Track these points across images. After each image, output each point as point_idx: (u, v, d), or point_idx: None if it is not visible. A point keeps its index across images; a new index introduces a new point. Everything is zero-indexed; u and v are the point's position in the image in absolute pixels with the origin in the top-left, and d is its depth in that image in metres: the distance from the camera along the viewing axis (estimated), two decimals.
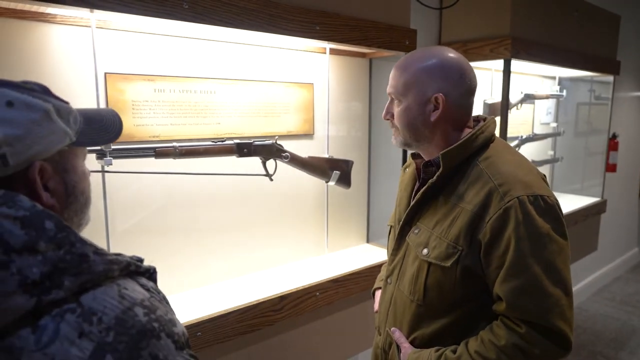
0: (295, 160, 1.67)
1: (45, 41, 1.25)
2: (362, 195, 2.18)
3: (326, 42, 1.64)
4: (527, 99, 2.77)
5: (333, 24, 1.60)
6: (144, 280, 0.67)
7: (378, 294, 1.37)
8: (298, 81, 1.82)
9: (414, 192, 1.21)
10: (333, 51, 1.88)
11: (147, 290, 0.65)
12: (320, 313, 1.74)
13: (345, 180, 1.82)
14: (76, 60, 1.30)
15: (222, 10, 1.31)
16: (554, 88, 3.25)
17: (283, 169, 1.65)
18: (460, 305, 1.05)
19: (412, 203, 1.13)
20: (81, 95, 1.31)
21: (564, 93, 3.16)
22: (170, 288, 1.55)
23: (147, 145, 1.34)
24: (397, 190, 1.38)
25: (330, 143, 1.92)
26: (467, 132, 1.09)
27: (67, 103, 0.68)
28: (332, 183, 1.78)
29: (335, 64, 1.96)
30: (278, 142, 1.62)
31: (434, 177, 1.07)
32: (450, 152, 1.04)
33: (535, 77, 3.17)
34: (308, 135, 1.89)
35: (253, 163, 1.61)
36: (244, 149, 1.53)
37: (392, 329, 1.16)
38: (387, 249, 1.30)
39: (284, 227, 1.87)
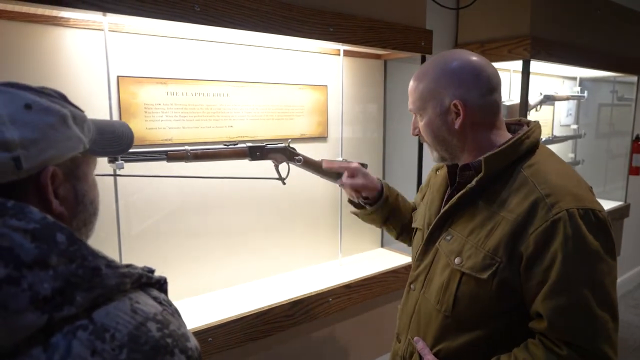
0: (309, 164, 1.65)
1: (58, 45, 1.25)
2: None
3: (340, 44, 1.62)
4: (547, 100, 2.70)
5: (347, 26, 1.58)
6: (155, 292, 0.65)
7: None
8: (312, 83, 1.80)
9: (446, 196, 1.15)
10: (347, 53, 1.86)
11: (160, 303, 0.63)
12: (333, 319, 1.72)
13: None
14: (89, 64, 1.30)
15: (234, 13, 1.30)
16: (574, 89, 3.17)
17: (296, 172, 1.63)
18: (492, 319, 0.98)
19: (445, 207, 1.07)
20: (94, 98, 1.31)
21: (585, 94, 3.08)
22: (181, 292, 1.54)
23: (159, 148, 1.33)
24: (421, 192, 1.35)
25: (344, 146, 1.89)
26: (505, 134, 1.05)
27: (82, 111, 0.67)
28: None
29: (349, 65, 1.93)
30: (291, 145, 1.60)
31: (473, 182, 1.00)
32: (493, 157, 0.98)
33: (555, 77, 3.10)
34: (322, 138, 1.87)
35: (266, 166, 1.59)
36: (256, 152, 1.51)
37: (416, 338, 1.10)
38: (412, 252, 1.24)
39: (297, 231, 1.85)
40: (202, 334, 1.32)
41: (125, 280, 0.59)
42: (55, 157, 0.61)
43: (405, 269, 1.89)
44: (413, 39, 1.80)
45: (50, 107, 0.60)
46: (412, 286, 1.16)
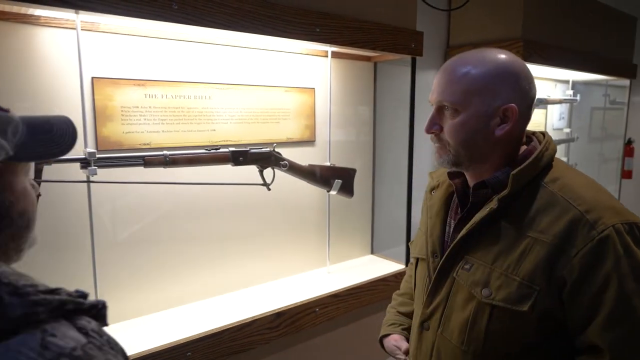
0: (295, 169, 1.59)
1: (29, 44, 1.19)
2: (366, 204, 2.09)
3: (328, 45, 1.56)
4: (539, 103, 2.66)
5: (335, 26, 1.53)
6: (83, 322, 0.55)
7: (389, 340, 1.19)
8: (299, 86, 1.75)
9: (454, 218, 1.03)
10: (335, 54, 1.80)
11: (85, 334, 0.54)
12: (319, 330, 1.66)
13: (347, 189, 1.73)
14: (62, 64, 1.24)
15: (214, 12, 1.24)
16: (567, 92, 3.14)
17: (282, 177, 1.58)
18: (529, 354, 0.88)
19: (462, 233, 0.94)
20: (67, 101, 1.25)
21: (578, 97, 3.05)
22: (158, 304, 1.48)
23: (136, 153, 1.27)
24: (419, 210, 1.21)
25: (333, 150, 1.84)
26: (524, 148, 0.95)
27: (6, 111, 0.60)
28: (333, 192, 1.70)
29: (338, 67, 1.88)
30: (276, 149, 1.54)
31: (495, 201, 0.89)
32: (521, 173, 0.88)
33: (547, 81, 3.07)
34: (309, 142, 1.82)
35: (251, 172, 1.53)
36: (239, 157, 1.45)
37: None
38: (415, 286, 1.11)
39: (283, 238, 1.79)
40: (180, 348, 1.26)
41: (38, 309, 0.51)
42: None
43: (396, 276, 1.84)
44: (403, 41, 1.75)
45: None
46: (424, 325, 1.01)
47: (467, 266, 0.93)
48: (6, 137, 0.58)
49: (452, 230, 1.02)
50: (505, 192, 0.89)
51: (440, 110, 0.94)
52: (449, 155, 0.94)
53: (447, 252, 0.97)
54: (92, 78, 1.27)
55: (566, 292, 0.82)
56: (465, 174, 1.00)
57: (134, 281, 1.42)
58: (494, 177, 0.93)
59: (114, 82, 1.30)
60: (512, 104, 0.88)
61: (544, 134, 0.98)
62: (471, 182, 0.99)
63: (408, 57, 1.84)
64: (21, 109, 1.06)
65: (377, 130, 2.08)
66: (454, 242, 0.96)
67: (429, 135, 0.98)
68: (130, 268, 1.41)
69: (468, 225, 0.93)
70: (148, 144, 1.38)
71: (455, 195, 1.05)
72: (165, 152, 1.31)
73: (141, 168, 1.27)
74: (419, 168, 1.99)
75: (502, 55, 0.91)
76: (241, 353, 1.41)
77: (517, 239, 0.87)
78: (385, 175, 2.09)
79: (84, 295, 0.58)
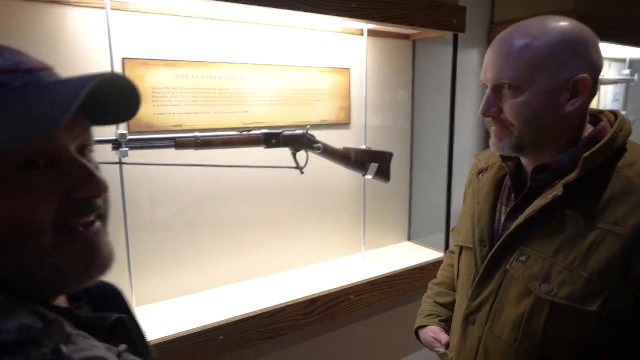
0: (329, 152, 1.54)
1: (59, 25, 1.18)
2: (403, 189, 2.02)
3: (363, 22, 1.49)
4: None
5: (371, 2, 1.45)
6: None
7: (426, 332, 1.13)
8: (333, 66, 1.68)
9: (506, 205, 0.94)
10: (372, 32, 1.72)
11: None
12: (354, 318, 1.61)
13: (384, 173, 1.66)
14: (92, 45, 1.23)
15: None
16: (623, 72, 2.91)
17: (317, 161, 1.53)
18: (592, 358, 0.80)
19: (519, 221, 0.85)
20: None
21: (636, 77, 2.83)
22: (190, 287, 1.47)
23: (167, 135, 1.25)
24: (462, 196, 1.13)
25: (368, 133, 1.77)
26: (590, 129, 0.86)
27: (50, 70, 0.51)
28: (369, 177, 1.64)
29: (374, 47, 1.80)
30: (310, 132, 1.49)
31: (560, 187, 0.80)
32: (593, 156, 0.79)
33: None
34: (344, 124, 1.75)
35: (284, 155, 1.49)
36: (272, 139, 1.41)
37: None
38: (459, 276, 1.04)
39: (317, 223, 1.75)
40: (213, 332, 1.25)
41: None
42: None
43: (434, 265, 1.76)
44: (444, 17, 1.65)
45: None
46: (470, 319, 0.94)
47: (522, 258, 0.84)
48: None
49: (504, 217, 0.93)
50: (572, 176, 0.80)
51: (497, 89, 0.85)
52: (511, 138, 0.85)
53: (499, 242, 0.89)
54: (123, 59, 1.25)
55: None
56: (525, 159, 0.91)
57: (165, 264, 1.41)
58: (558, 161, 0.83)
59: (144, 63, 1.29)
60: (584, 75, 0.78)
61: (614, 113, 0.88)
62: (528, 166, 0.90)
63: (449, 35, 1.74)
64: None
65: (415, 113, 1.99)
66: (509, 231, 0.87)
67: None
68: (162, 251, 1.40)
69: (526, 213, 0.84)
70: (179, 126, 1.36)
71: (507, 179, 0.96)
72: (196, 134, 1.28)
73: (172, 150, 1.26)
74: (459, 152, 1.89)
75: (565, 23, 0.81)
76: (274, 339, 1.38)
77: (585, 230, 0.78)
78: (424, 160, 2.00)
79: (37, 331, 0.42)
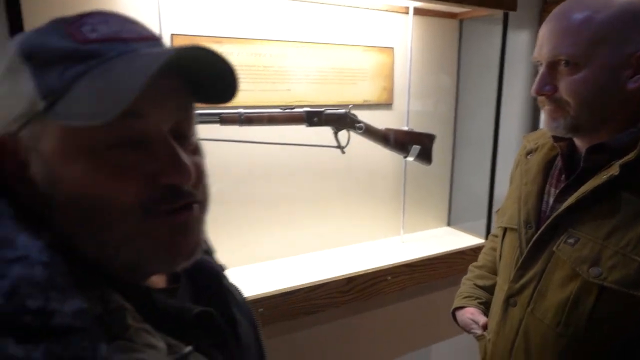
0: (370, 132, 1.53)
1: (109, 1, 1.22)
2: (444, 173, 1.98)
3: None
4: None
5: None
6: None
7: (464, 313, 1.12)
8: (377, 45, 1.66)
9: (555, 186, 0.92)
10: (417, 11, 1.68)
11: None
12: (390, 299, 1.61)
13: (425, 156, 1.64)
14: (142, 21, 1.25)
15: None
16: None
17: (358, 141, 1.52)
18: (636, 345, 0.78)
19: (570, 201, 0.83)
20: None
21: None
22: (230, 261, 1.50)
23: (212, 110, 1.28)
24: (509, 180, 1.10)
25: (410, 115, 1.74)
26: None
27: (157, 40, 0.48)
28: (410, 158, 1.62)
29: (419, 26, 1.76)
30: (352, 111, 1.48)
31: (616, 167, 0.77)
32: None
33: None
34: (387, 105, 1.73)
35: (325, 134, 1.49)
36: (314, 117, 1.41)
37: None
38: (501, 258, 1.02)
39: (355, 204, 1.75)
40: (253, 304, 1.28)
41: None
42: None
43: (474, 250, 1.73)
44: None
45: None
46: (511, 301, 0.92)
47: (570, 240, 0.82)
48: (44, 82, 0.43)
49: (552, 199, 0.90)
50: (629, 157, 0.76)
51: (553, 66, 0.81)
52: (566, 118, 0.82)
53: (547, 223, 0.86)
54: (172, 35, 1.28)
55: None
56: (579, 140, 0.87)
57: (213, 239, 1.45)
58: (617, 140, 0.79)
59: (191, 39, 1.31)
60: None
61: None
62: (582, 146, 0.86)
63: (499, 14, 1.68)
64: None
65: (459, 95, 1.94)
66: (557, 212, 0.84)
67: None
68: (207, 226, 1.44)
69: (578, 193, 0.81)
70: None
71: (558, 160, 0.92)
72: (240, 110, 1.30)
73: (216, 126, 1.28)
74: (503, 138, 1.83)
75: None
76: (312, 314, 1.40)
77: None
78: (467, 145, 1.95)
79: (45, 312, 0.36)
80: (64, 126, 0.42)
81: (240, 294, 0.70)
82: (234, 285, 0.69)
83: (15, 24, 0.98)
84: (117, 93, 0.39)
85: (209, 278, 0.61)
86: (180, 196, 0.47)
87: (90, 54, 0.43)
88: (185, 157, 0.47)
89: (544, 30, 0.82)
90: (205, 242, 0.71)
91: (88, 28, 0.45)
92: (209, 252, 0.72)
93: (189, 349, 0.47)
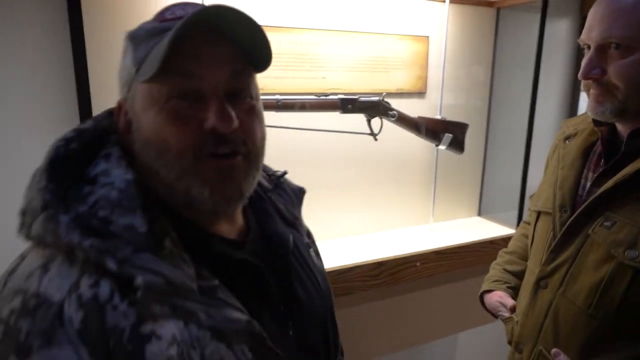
0: (403, 120, 1.55)
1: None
2: (476, 163, 1.98)
3: None
4: None
5: None
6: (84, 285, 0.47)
7: (492, 296, 1.13)
8: (412, 34, 1.66)
9: (593, 171, 0.92)
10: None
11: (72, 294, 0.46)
12: (419, 285, 1.64)
13: (458, 145, 1.64)
14: None
15: None
16: None
17: (390, 128, 1.54)
18: None
19: (608, 185, 0.83)
20: None
21: None
22: None
23: None
24: (544, 164, 1.10)
25: (444, 104, 1.75)
26: None
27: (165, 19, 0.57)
28: (442, 147, 1.63)
29: (455, 14, 1.75)
30: (385, 99, 1.50)
31: None
32: None
33: None
34: (420, 94, 1.74)
35: (358, 121, 1.52)
36: (348, 104, 1.44)
37: (555, 351, 0.86)
38: (533, 242, 1.03)
39: (387, 190, 1.77)
40: None
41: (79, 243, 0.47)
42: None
43: (504, 240, 1.73)
44: None
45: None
46: (541, 283, 0.93)
47: (607, 223, 0.82)
48: (136, 52, 0.57)
49: (589, 184, 0.90)
50: None
51: (602, 50, 0.80)
52: (613, 102, 0.81)
53: (583, 206, 0.87)
54: None
55: None
56: (621, 125, 0.87)
57: None
58: None
59: None
60: None
61: None
62: (624, 131, 0.86)
63: (538, 1, 1.65)
64: None
65: (494, 85, 1.93)
66: (595, 195, 0.85)
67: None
68: None
69: (617, 177, 0.81)
70: (261, 89, 1.42)
71: (597, 146, 0.92)
72: (277, 96, 1.34)
73: None
74: (537, 130, 1.81)
75: None
76: (341, 297, 1.45)
77: None
78: (500, 135, 1.94)
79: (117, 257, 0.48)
80: (141, 83, 0.54)
81: (320, 273, 0.77)
82: (317, 266, 0.78)
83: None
84: (159, 54, 0.50)
85: (278, 250, 0.68)
86: (223, 142, 0.54)
87: (165, 29, 0.54)
88: (231, 110, 0.54)
89: (595, 12, 0.81)
90: (305, 226, 0.87)
91: (169, 12, 0.57)
92: (309, 234, 0.87)
93: (215, 281, 0.53)
